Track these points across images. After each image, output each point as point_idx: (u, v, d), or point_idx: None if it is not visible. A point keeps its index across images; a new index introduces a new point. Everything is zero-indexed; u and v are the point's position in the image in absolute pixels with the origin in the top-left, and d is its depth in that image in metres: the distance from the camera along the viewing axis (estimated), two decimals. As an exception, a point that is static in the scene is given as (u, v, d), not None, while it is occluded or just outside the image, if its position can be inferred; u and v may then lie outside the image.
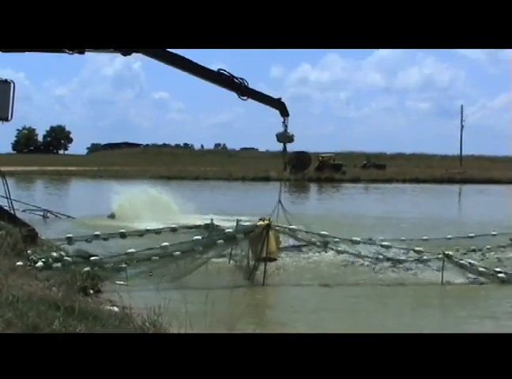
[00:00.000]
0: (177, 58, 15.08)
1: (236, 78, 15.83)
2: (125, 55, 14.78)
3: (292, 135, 17.22)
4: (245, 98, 16.07)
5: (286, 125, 16.89)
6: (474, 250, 15.53)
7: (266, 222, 13.17)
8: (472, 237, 15.98)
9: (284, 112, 16.84)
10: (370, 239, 14.55)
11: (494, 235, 16.36)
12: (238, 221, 15.57)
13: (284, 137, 17.10)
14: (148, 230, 15.83)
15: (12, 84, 12.71)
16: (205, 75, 16.08)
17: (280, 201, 16.56)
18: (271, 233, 13.12)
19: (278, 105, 16.84)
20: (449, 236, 15.48)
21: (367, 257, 13.85)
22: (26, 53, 14.12)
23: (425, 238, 14.97)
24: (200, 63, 15.51)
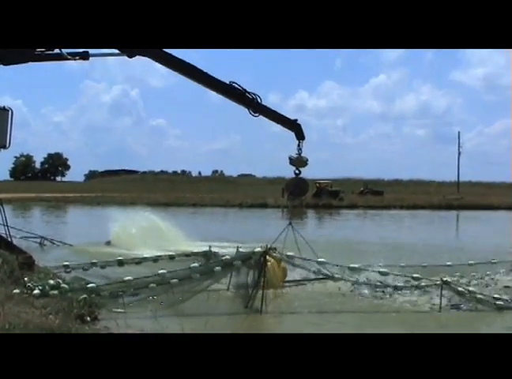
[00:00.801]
0: (186, 64, 14.31)
1: (249, 93, 15.03)
2: (130, 57, 13.80)
3: (307, 159, 16.50)
4: (257, 114, 15.22)
5: (300, 149, 16.20)
6: (473, 277, 15.57)
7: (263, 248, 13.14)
8: (471, 264, 15.96)
9: (300, 134, 16.16)
10: (369, 266, 14.52)
11: (494, 263, 16.35)
12: (238, 248, 15.51)
13: (299, 162, 16.36)
14: (145, 258, 15.79)
15: (10, 112, 12.74)
16: (215, 85, 15.01)
17: (290, 223, 16.13)
18: (271, 262, 13.13)
19: (293, 126, 16.16)
20: (448, 263, 15.44)
21: (365, 283, 13.80)
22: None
23: (424, 264, 14.93)
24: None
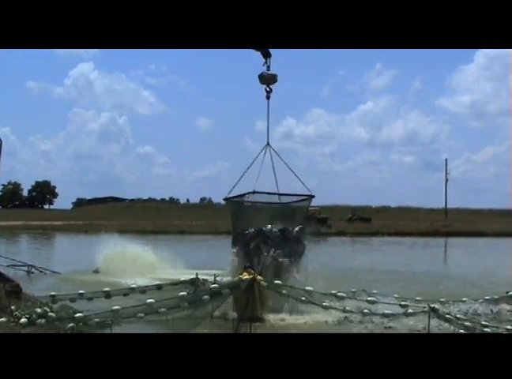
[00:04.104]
0: None
1: None
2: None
3: (276, 75, 16.29)
4: None
5: (268, 66, 16.06)
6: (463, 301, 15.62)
7: (250, 276, 13.13)
8: (464, 301, 15.92)
9: (266, 53, 15.84)
10: (354, 293, 14.55)
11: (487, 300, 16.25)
12: (215, 276, 15.55)
13: (271, 77, 16.12)
14: (132, 289, 15.73)
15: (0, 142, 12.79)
16: None
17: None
18: (257, 288, 13.10)
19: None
20: (442, 299, 15.43)
21: (352, 312, 13.80)
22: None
23: (418, 298, 14.92)
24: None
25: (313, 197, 15.79)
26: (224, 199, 15.51)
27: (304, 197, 15.86)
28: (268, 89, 16.33)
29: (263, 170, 15.39)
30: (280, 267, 15.18)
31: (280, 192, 15.81)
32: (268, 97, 16.34)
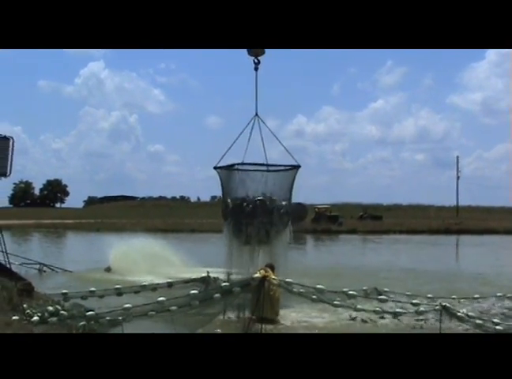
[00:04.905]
0: None
1: None
2: None
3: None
4: None
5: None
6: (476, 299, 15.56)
7: (263, 273, 13.11)
8: (476, 298, 15.86)
9: None
10: (365, 291, 14.51)
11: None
12: (228, 274, 15.56)
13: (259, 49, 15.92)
14: (144, 286, 15.75)
15: (11, 141, 12.85)
16: None
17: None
18: (268, 286, 13.08)
19: None
20: (453, 296, 15.37)
21: (364, 310, 13.75)
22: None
23: (429, 296, 14.87)
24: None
25: (299, 167, 15.90)
26: (214, 167, 15.61)
27: (291, 167, 15.96)
28: (256, 61, 16.44)
29: (255, 143, 15.46)
30: (267, 236, 15.37)
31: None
32: (256, 69, 16.51)
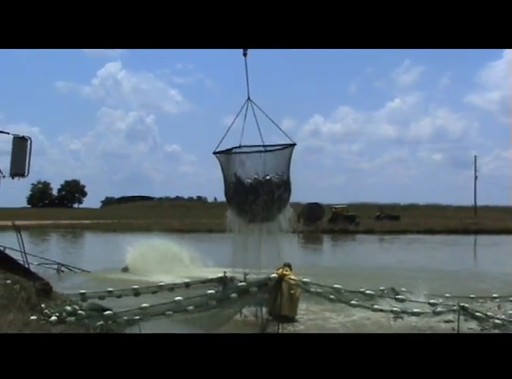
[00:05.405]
0: None
1: None
2: None
3: None
4: None
5: None
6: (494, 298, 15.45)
7: (280, 272, 13.10)
8: (495, 297, 15.76)
9: None
10: (382, 291, 14.45)
11: None
12: (245, 274, 15.56)
13: None
14: (161, 286, 15.77)
15: (29, 141, 12.92)
16: None
17: None
18: (285, 286, 13.07)
19: None
20: (472, 295, 15.27)
21: (381, 310, 13.69)
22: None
23: (447, 295, 14.78)
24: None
25: (294, 144, 16.01)
26: (213, 153, 15.76)
27: (287, 145, 16.08)
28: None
29: (251, 128, 15.57)
30: (270, 213, 15.54)
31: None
32: (245, 54, 16.61)
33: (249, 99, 15.86)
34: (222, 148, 15.01)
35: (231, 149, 15.73)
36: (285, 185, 15.91)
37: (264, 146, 15.75)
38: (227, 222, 15.79)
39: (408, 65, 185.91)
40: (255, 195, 15.36)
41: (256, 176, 15.59)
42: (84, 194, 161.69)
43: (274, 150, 15.67)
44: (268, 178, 15.54)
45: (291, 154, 16.16)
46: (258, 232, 14.98)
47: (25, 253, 12.38)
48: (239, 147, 15.69)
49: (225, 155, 16.04)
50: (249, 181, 15.66)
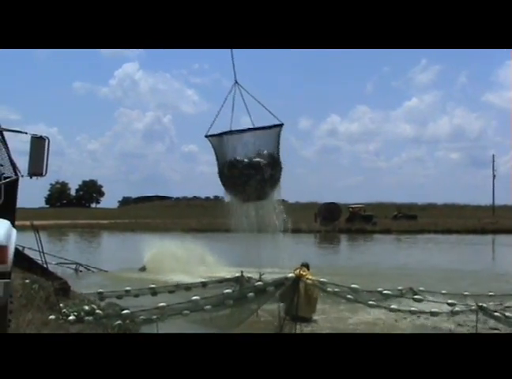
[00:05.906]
0: None
1: None
2: None
3: None
4: None
5: None
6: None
7: (298, 272, 13.09)
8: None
9: None
10: (400, 291, 14.39)
11: None
12: (261, 275, 15.57)
13: None
14: (178, 286, 15.81)
15: (47, 141, 12.96)
16: None
17: None
18: (302, 286, 13.05)
19: None
20: (490, 293, 15.15)
21: (399, 310, 13.63)
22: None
23: (466, 293, 14.67)
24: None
25: (282, 124, 16.12)
26: (205, 136, 15.91)
27: (274, 125, 16.19)
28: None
29: (242, 112, 15.76)
30: (264, 191, 15.78)
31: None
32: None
33: (236, 82, 15.96)
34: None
35: (222, 133, 15.94)
36: (275, 163, 16.08)
37: (254, 129, 15.99)
38: (225, 202, 16.15)
39: (424, 64, 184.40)
40: (248, 175, 15.59)
41: (246, 159, 15.77)
42: (102, 194, 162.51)
43: (262, 128, 15.84)
44: (258, 159, 15.74)
45: (279, 133, 16.32)
46: (255, 211, 15.30)
47: (44, 253, 12.43)
48: (230, 131, 15.90)
49: (217, 138, 16.24)
50: (241, 161, 15.89)
